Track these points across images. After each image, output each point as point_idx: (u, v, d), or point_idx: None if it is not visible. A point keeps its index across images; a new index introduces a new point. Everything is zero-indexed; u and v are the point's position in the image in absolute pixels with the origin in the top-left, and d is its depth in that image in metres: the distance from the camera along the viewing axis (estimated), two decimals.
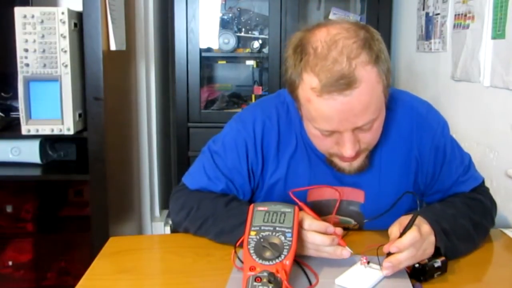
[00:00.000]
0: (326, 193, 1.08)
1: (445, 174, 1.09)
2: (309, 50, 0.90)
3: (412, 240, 0.86)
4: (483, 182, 1.15)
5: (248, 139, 1.08)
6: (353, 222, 1.10)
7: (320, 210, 1.06)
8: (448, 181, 1.09)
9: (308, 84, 0.90)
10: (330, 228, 0.92)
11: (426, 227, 0.91)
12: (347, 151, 0.94)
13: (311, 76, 0.89)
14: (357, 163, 1.01)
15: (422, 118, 1.08)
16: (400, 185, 1.08)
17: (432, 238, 0.90)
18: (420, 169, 1.09)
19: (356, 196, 1.08)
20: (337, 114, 0.89)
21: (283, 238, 0.85)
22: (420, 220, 0.92)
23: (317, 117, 0.92)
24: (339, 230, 0.93)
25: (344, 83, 0.86)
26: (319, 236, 0.91)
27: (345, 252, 0.90)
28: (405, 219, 0.91)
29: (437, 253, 0.91)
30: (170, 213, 1.14)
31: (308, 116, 0.95)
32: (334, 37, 0.89)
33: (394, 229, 0.91)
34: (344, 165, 1.01)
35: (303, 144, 1.08)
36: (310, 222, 0.92)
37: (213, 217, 1.04)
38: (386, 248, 0.88)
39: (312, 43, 0.90)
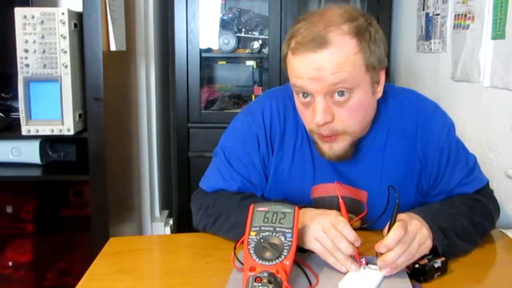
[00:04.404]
0: (329, 189, 1.08)
1: (449, 176, 1.09)
2: (300, 20, 0.96)
3: (397, 236, 0.85)
4: (487, 184, 1.14)
5: (259, 131, 1.10)
6: (355, 217, 1.10)
7: (323, 207, 1.06)
8: (451, 183, 1.09)
9: (290, 49, 0.96)
10: (359, 242, 0.88)
11: (415, 222, 0.90)
12: (316, 116, 0.94)
13: (293, 41, 0.95)
14: (337, 147, 1.00)
15: (428, 118, 1.08)
16: (404, 185, 1.07)
17: (424, 231, 0.90)
18: (423, 170, 1.09)
19: (359, 196, 1.08)
20: (307, 69, 0.92)
21: (283, 238, 0.85)
22: (410, 215, 0.92)
23: (291, 75, 0.96)
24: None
25: (316, 42, 0.91)
26: (345, 242, 0.88)
27: (354, 266, 0.88)
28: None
29: (436, 253, 0.91)
30: (192, 217, 1.15)
31: (290, 81, 0.99)
32: (324, 11, 0.96)
33: (385, 229, 0.90)
34: (324, 147, 1.01)
35: (308, 139, 1.09)
36: (345, 225, 0.89)
37: (227, 211, 1.04)
38: (377, 248, 0.87)
39: (305, 15, 0.97)
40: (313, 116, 0.96)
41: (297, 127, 1.10)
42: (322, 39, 0.91)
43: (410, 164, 1.08)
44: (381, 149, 1.08)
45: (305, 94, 0.96)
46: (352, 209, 1.08)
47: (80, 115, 1.68)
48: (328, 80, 0.92)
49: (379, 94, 1.02)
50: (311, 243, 0.91)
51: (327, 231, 0.89)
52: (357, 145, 1.05)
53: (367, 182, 1.08)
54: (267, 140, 1.10)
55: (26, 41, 1.58)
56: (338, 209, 0.96)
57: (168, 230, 2.42)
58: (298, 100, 1.00)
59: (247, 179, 1.10)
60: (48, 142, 1.82)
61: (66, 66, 1.59)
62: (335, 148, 1.00)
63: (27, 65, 1.59)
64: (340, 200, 0.95)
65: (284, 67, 1.02)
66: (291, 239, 0.84)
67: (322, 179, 1.09)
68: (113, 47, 1.78)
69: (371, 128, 1.07)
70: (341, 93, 0.94)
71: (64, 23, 1.57)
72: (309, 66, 0.92)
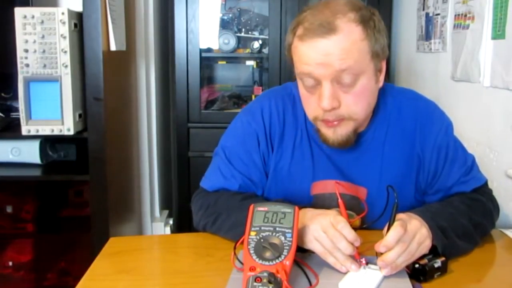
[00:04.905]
0: (328, 186, 1.09)
1: (446, 174, 1.09)
2: (305, 10, 0.98)
3: (396, 236, 0.85)
4: (486, 183, 1.14)
5: (259, 130, 1.11)
6: (355, 215, 1.10)
7: (323, 203, 1.08)
8: (449, 181, 1.10)
9: (296, 35, 0.98)
10: (358, 242, 0.88)
11: (414, 221, 0.90)
12: (323, 101, 0.96)
13: (300, 28, 0.97)
14: (340, 131, 1.01)
15: (426, 117, 1.10)
16: (403, 183, 1.08)
17: (424, 231, 0.90)
18: (421, 167, 1.10)
19: (358, 192, 1.09)
20: (315, 55, 0.94)
21: (283, 238, 0.85)
22: (409, 215, 0.92)
23: (298, 61, 0.97)
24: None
25: (325, 28, 0.93)
26: (345, 242, 0.88)
27: (354, 265, 0.88)
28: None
29: (436, 253, 0.91)
30: (192, 216, 1.16)
31: (295, 68, 1.00)
32: (329, 2, 0.98)
33: (385, 229, 0.90)
34: (328, 132, 1.02)
35: (307, 137, 1.11)
36: (344, 225, 0.89)
37: (228, 211, 1.05)
38: (376, 248, 0.87)
39: (309, 6, 0.99)
40: (319, 101, 0.97)
41: (296, 125, 1.12)
42: (330, 25, 0.93)
43: (409, 161, 1.09)
44: (380, 146, 1.09)
45: (310, 81, 0.97)
46: (352, 206, 1.08)
47: (80, 115, 1.68)
48: (335, 65, 0.93)
49: (381, 83, 1.04)
50: (311, 243, 0.91)
51: (327, 231, 0.89)
52: (356, 140, 1.06)
53: (367, 179, 1.09)
54: (267, 138, 1.11)
55: (26, 41, 1.58)
56: (338, 207, 0.96)
57: (168, 230, 2.42)
58: (303, 87, 1.01)
59: (247, 177, 1.11)
60: (48, 142, 1.82)
61: (66, 66, 1.59)
62: (338, 132, 1.01)
63: (27, 65, 1.59)
64: (340, 200, 0.96)
65: (288, 57, 1.03)
66: (291, 239, 0.84)
67: (321, 176, 1.10)
68: (113, 47, 1.78)
69: (370, 125, 1.08)
70: (348, 79, 0.95)
71: (64, 23, 1.57)
72: (317, 51, 0.93)
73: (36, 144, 1.76)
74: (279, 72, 2.44)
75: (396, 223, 0.87)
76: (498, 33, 1.46)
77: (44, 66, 1.59)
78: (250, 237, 0.85)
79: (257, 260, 0.82)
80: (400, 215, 0.90)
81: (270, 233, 0.85)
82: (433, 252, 0.91)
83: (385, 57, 1.01)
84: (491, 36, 1.51)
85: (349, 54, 0.93)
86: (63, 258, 1.88)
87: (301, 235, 0.91)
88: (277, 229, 0.86)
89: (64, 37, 1.58)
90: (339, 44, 0.93)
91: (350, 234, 0.88)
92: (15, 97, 1.68)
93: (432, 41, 2.01)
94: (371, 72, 0.98)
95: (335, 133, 1.01)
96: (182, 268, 0.96)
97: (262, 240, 0.84)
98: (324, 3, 0.98)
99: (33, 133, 1.63)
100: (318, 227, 0.90)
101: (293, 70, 1.03)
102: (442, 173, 1.09)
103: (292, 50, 1.00)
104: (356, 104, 0.99)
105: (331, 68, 0.94)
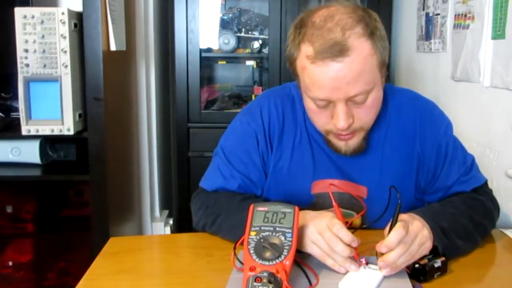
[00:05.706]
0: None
1: (446, 173, 1.10)
2: (308, 23, 0.95)
3: (398, 236, 0.85)
4: (485, 183, 1.15)
5: (258, 129, 1.12)
6: (355, 214, 1.10)
7: (324, 202, 1.08)
8: (449, 180, 1.10)
9: (304, 53, 0.95)
10: (356, 243, 0.88)
11: (416, 223, 0.90)
12: (340, 122, 0.96)
13: (307, 45, 0.94)
14: (353, 142, 1.02)
15: (426, 116, 1.10)
16: (403, 182, 1.09)
17: (425, 232, 0.90)
18: (421, 166, 1.10)
19: (359, 191, 1.09)
20: (329, 80, 0.92)
21: (283, 238, 0.85)
22: (411, 216, 0.92)
23: (311, 85, 0.95)
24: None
25: (337, 49, 0.90)
26: (342, 245, 0.87)
27: (354, 265, 0.88)
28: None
29: (436, 253, 0.91)
30: (192, 216, 1.16)
31: (304, 86, 0.99)
32: (331, 12, 0.94)
33: (386, 229, 0.90)
34: (340, 144, 1.03)
35: (307, 136, 1.11)
36: (339, 228, 0.88)
37: (227, 212, 1.05)
38: (378, 248, 0.87)
39: (312, 18, 0.95)
40: (335, 121, 0.97)
41: (295, 125, 1.12)
42: (343, 46, 0.90)
43: (409, 160, 1.10)
44: (380, 145, 1.10)
45: (323, 102, 0.97)
46: (352, 205, 1.08)
47: (80, 115, 1.68)
48: (350, 91, 0.93)
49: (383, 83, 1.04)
50: (309, 247, 0.92)
51: (323, 234, 0.89)
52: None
53: (367, 178, 1.10)
54: (266, 137, 1.12)
55: (26, 41, 1.58)
56: (339, 206, 0.96)
57: (168, 230, 2.42)
58: (313, 104, 0.99)
59: (247, 177, 1.11)
60: (48, 142, 1.82)
61: (66, 66, 1.59)
62: (350, 144, 1.03)
63: (27, 65, 1.59)
64: (334, 203, 0.96)
65: (291, 69, 1.02)
66: (291, 239, 0.84)
67: (322, 175, 1.10)
68: (113, 47, 1.78)
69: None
70: (361, 98, 0.95)
71: (64, 23, 1.57)
72: (331, 76, 0.92)
73: (36, 144, 1.76)
74: (279, 72, 2.44)
75: (398, 224, 0.87)
76: (498, 33, 1.46)
77: (44, 66, 1.59)
78: (250, 237, 0.85)
79: (257, 260, 0.82)
80: (403, 216, 0.90)
81: (270, 233, 0.85)
82: (434, 252, 0.91)
83: (387, 60, 1.01)
84: (491, 36, 1.51)
85: (361, 75, 0.92)
86: (63, 258, 1.88)
87: (299, 238, 0.91)
88: (277, 229, 0.86)
89: (64, 37, 1.58)
90: (352, 65, 0.91)
91: (347, 236, 0.88)
92: (15, 97, 1.68)
93: (432, 41, 2.01)
94: (379, 83, 0.99)
95: (347, 145, 1.03)
96: (182, 268, 0.96)
97: (262, 240, 0.84)
98: (328, 16, 0.94)
99: (33, 133, 1.63)
100: (314, 230, 0.90)
101: (296, 79, 1.03)
102: (441, 172, 1.10)
103: (299, 67, 0.98)
104: (368, 115, 1.00)
105: (346, 93, 0.93)
